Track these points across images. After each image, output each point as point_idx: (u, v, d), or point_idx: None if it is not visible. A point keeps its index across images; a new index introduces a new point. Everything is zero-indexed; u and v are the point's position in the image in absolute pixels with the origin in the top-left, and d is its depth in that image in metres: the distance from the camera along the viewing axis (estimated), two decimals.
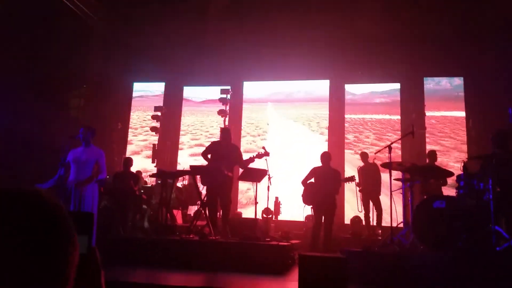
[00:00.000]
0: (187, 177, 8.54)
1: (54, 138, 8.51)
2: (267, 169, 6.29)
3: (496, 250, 4.11)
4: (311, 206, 6.57)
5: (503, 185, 4.49)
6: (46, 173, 5.05)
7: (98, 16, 10.14)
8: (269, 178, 6.57)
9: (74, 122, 9.97)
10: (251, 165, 6.29)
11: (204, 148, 6.55)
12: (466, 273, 3.84)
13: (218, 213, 6.47)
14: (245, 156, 6.44)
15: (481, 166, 4.79)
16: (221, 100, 10.36)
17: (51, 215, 0.70)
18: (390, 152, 5.12)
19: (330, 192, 6.39)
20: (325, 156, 6.70)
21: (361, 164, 8.36)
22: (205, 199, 6.15)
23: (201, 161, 6.80)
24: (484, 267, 3.88)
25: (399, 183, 5.68)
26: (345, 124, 10.42)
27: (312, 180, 6.57)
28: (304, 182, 6.59)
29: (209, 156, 6.25)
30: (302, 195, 6.61)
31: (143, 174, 9.46)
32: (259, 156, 6.15)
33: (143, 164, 10.86)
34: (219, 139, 6.55)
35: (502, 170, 4.45)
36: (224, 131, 6.62)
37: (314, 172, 6.59)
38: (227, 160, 6.05)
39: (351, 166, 9.66)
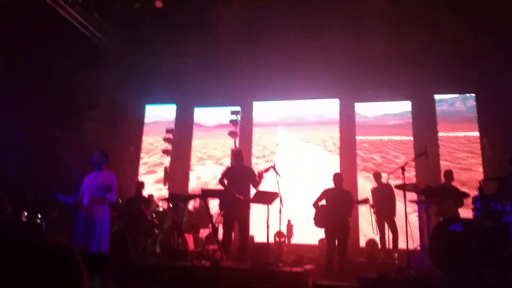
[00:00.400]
0: (198, 200, 8.51)
1: (68, 160, 8.64)
2: (278, 191, 6.24)
3: None
4: (324, 229, 6.45)
5: None
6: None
7: (109, 39, 10.38)
8: (281, 200, 6.50)
9: (88, 145, 10.11)
10: (263, 188, 6.27)
11: (216, 174, 6.61)
12: None
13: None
14: None
15: (498, 187, 4.67)
16: (232, 121, 10.42)
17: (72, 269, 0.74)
18: (403, 173, 5.03)
19: (342, 215, 6.27)
20: (337, 177, 6.60)
21: (375, 185, 8.23)
22: (221, 222, 6.13)
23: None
24: None
25: (414, 205, 5.56)
26: (358, 146, 10.34)
27: (324, 202, 6.47)
28: (315, 205, 6.49)
29: (225, 181, 6.29)
30: (314, 218, 6.50)
31: (155, 198, 9.46)
32: (266, 170, 6.15)
33: (155, 187, 10.89)
34: (231, 163, 6.59)
35: None
36: (236, 154, 6.67)
37: (325, 193, 6.49)
38: (243, 184, 6.10)
39: (364, 188, 9.54)
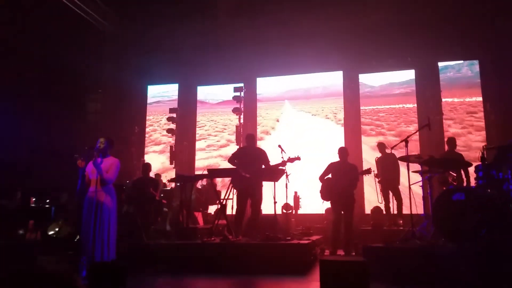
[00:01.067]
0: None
1: (74, 144, 8.74)
2: (284, 167, 6.32)
3: None
4: (330, 201, 6.57)
5: None
6: (67, 180, 5.16)
7: (108, 21, 10.29)
8: (287, 176, 6.60)
9: (92, 127, 10.21)
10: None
11: (222, 152, 6.69)
12: (488, 266, 3.80)
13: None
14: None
15: (496, 156, 4.72)
16: (235, 98, 10.40)
17: None
18: (406, 146, 5.07)
19: (347, 188, 6.38)
20: (342, 151, 6.67)
21: (379, 155, 8.29)
22: (228, 200, 6.26)
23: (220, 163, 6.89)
24: (505, 258, 3.83)
25: (418, 175, 5.62)
26: (363, 117, 10.32)
27: (330, 175, 6.56)
28: (321, 178, 6.59)
29: (236, 161, 6.37)
30: (320, 191, 6.62)
31: (163, 176, 9.61)
32: (291, 160, 6.21)
33: (162, 165, 11.03)
34: (244, 145, 6.66)
35: None
36: (248, 137, 6.74)
37: (331, 167, 6.58)
38: (254, 164, 6.19)
39: (369, 157, 9.60)
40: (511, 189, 4.19)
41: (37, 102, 8.88)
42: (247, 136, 6.85)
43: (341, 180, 6.38)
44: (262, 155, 6.42)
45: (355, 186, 6.57)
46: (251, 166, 6.10)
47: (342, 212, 6.46)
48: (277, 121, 11.25)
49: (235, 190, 6.29)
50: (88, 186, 4.91)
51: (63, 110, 9.39)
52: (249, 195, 6.23)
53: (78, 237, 6.08)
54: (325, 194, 6.55)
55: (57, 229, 7.57)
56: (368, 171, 6.54)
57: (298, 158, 6.17)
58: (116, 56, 10.94)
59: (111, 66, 10.87)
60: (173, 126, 10.73)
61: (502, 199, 4.34)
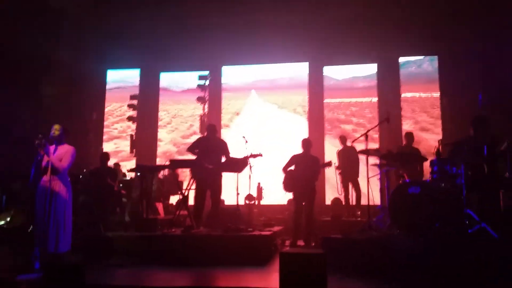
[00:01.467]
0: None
1: (28, 129, 8.30)
2: (247, 159, 6.31)
3: (468, 232, 4.28)
4: (292, 193, 6.65)
5: (473, 170, 4.64)
6: (20, 167, 4.90)
7: (69, 3, 9.75)
8: (250, 167, 6.60)
9: (47, 112, 9.71)
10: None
11: (186, 141, 6.56)
12: (441, 257, 3.98)
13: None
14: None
15: (452, 151, 4.93)
16: (200, 86, 10.25)
17: None
18: (366, 139, 5.20)
19: (309, 179, 6.47)
20: (305, 143, 6.74)
21: (340, 147, 8.47)
22: (190, 191, 6.18)
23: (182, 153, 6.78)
24: (457, 249, 4.03)
25: (376, 168, 5.79)
26: (327, 109, 10.47)
27: (292, 167, 6.63)
28: (284, 170, 6.64)
29: (196, 151, 6.28)
30: (283, 182, 6.67)
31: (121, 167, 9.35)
32: (253, 156, 6.21)
33: (121, 155, 10.73)
34: (205, 135, 6.57)
35: (472, 156, 4.59)
36: (210, 127, 6.67)
37: (294, 159, 6.65)
38: (215, 155, 6.13)
39: (332, 150, 9.78)
40: (463, 183, 4.39)
41: None
42: (208, 126, 6.80)
43: (303, 171, 6.45)
44: (222, 146, 6.38)
45: (317, 178, 6.68)
46: (212, 157, 6.04)
47: (303, 204, 6.56)
48: (241, 111, 11.21)
49: (193, 180, 6.22)
50: (42, 175, 4.69)
51: (15, 95, 8.89)
52: (208, 186, 6.17)
53: (31, 227, 5.82)
54: (288, 185, 6.61)
55: (8, 219, 7.22)
56: (329, 164, 6.66)
57: (260, 155, 6.21)
58: (74, 39, 10.41)
59: (69, 48, 10.35)
60: (134, 113, 10.44)
61: (455, 193, 4.54)
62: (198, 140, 6.57)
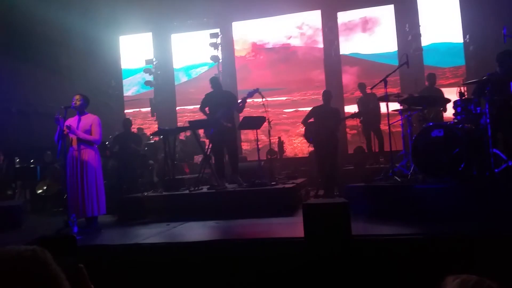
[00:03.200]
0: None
1: (49, 102, 8.49)
2: (265, 114, 6.29)
3: (495, 172, 4.22)
4: (314, 144, 6.65)
5: (499, 107, 4.50)
6: (46, 139, 5.06)
7: None
8: (269, 122, 6.60)
9: (66, 83, 9.85)
10: (249, 113, 6.29)
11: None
12: (468, 198, 3.98)
13: (225, 159, 6.61)
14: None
15: (476, 90, 4.77)
16: (212, 44, 10.10)
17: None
18: (385, 86, 5.07)
19: (331, 131, 6.43)
20: (325, 95, 6.65)
21: (360, 96, 8.32)
22: (209, 150, 6.24)
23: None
24: (484, 190, 4.00)
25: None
26: (343, 59, 10.19)
27: (312, 119, 6.59)
28: (304, 122, 6.62)
29: (206, 109, 6.24)
30: (304, 135, 6.68)
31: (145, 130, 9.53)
32: (250, 94, 6.01)
33: (143, 119, 10.90)
34: (211, 90, 6.42)
35: (497, 93, 4.43)
36: (212, 80, 6.46)
37: (314, 111, 6.60)
38: (224, 109, 5.99)
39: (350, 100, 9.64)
40: (488, 123, 4.27)
41: (4, 60, 8.47)
42: (210, 80, 6.51)
43: (324, 123, 6.39)
44: (230, 98, 6.24)
45: (339, 129, 6.66)
46: (221, 111, 5.88)
47: (325, 154, 6.56)
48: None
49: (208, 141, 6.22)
50: (70, 144, 4.84)
51: (34, 67, 9.02)
52: (223, 143, 6.13)
53: (66, 195, 6.11)
54: (309, 137, 6.61)
55: (45, 188, 7.60)
56: (358, 115, 6.62)
57: (256, 90, 5.97)
58: (85, 7, 10.32)
59: (80, 17, 10.29)
60: (150, 78, 10.47)
61: (479, 133, 4.44)
62: (204, 97, 6.38)
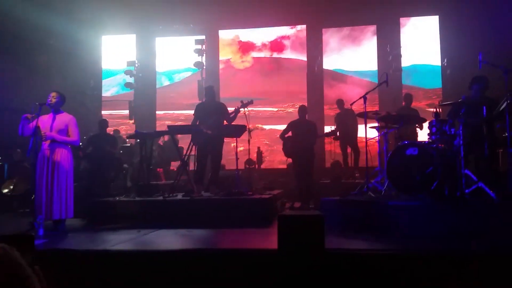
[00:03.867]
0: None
1: (24, 99, 8.23)
2: (247, 123, 6.28)
3: (465, 192, 4.33)
4: (292, 158, 6.71)
5: (472, 130, 4.64)
6: (20, 136, 4.90)
7: None
8: (249, 131, 6.60)
9: (44, 81, 9.60)
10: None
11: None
12: (438, 217, 4.05)
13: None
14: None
15: (450, 112, 4.91)
16: (196, 51, 10.07)
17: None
18: (365, 102, 5.16)
19: (308, 144, 6.56)
20: (301, 110, 6.84)
21: (338, 111, 8.45)
22: (190, 157, 6.18)
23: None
24: (455, 210, 4.09)
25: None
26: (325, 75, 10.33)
27: (290, 134, 6.66)
28: (282, 136, 6.70)
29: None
30: (283, 149, 6.73)
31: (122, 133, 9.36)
32: (243, 105, 6.02)
33: (120, 121, 10.71)
34: (204, 99, 6.41)
35: (471, 116, 4.57)
36: (206, 89, 6.51)
37: (291, 125, 6.73)
38: (213, 119, 5.97)
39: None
40: (461, 144, 4.39)
41: None
42: (204, 89, 6.58)
43: (301, 137, 6.52)
44: (221, 109, 6.22)
45: (315, 142, 6.76)
46: (210, 121, 5.90)
47: (303, 167, 6.61)
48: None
49: (195, 146, 6.18)
50: (41, 142, 4.70)
51: (10, 64, 8.76)
52: (209, 151, 6.14)
53: (33, 195, 5.91)
54: (287, 151, 6.68)
55: (11, 187, 7.33)
56: (333, 133, 6.77)
57: (250, 102, 6.00)
58: (68, 4, 10.14)
59: (62, 15, 10.09)
60: (131, 80, 10.32)
61: (453, 153, 4.55)
62: (197, 106, 6.40)
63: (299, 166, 6.63)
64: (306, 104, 8.79)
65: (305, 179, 6.61)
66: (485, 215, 3.95)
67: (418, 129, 6.65)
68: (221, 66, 10.90)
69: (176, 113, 10.87)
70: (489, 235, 3.69)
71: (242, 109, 6.01)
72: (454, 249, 3.35)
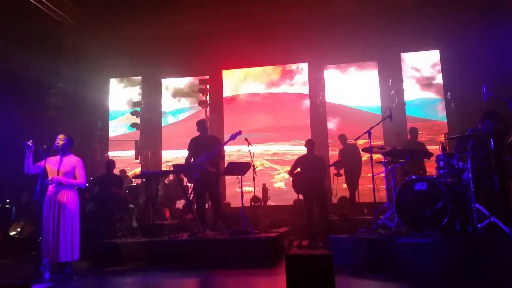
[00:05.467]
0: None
1: (33, 141, 8.31)
2: (251, 160, 6.28)
3: (477, 227, 4.22)
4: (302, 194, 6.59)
5: (481, 163, 4.58)
6: (28, 179, 4.92)
7: (67, 13, 9.83)
8: (254, 168, 6.58)
9: (52, 123, 9.77)
10: (234, 159, 6.26)
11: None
12: (451, 254, 3.93)
13: (207, 205, 6.46)
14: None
15: (457, 145, 4.87)
16: (200, 90, 10.26)
17: None
18: (369, 137, 5.16)
19: (318, 178, 6.43)
20: (309, 144, 6.72)
21: (341, 147, 8.43)
22: (191, 195, 6.12)
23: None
24: (468, 246, 3.97)
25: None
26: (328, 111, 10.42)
27: (299, 169, 6.59)
28: (291, 173, 6.63)
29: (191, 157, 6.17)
30: (293, 186, 6.64)
31: (129, 173, 9.38)
32: (232, 137, 5.94)
33: (126, 163, 10.76)
34: (197, 134, 6.36)
35: (479, 148, 4.53)
36: (199, 123, 6.34)
37: (299, 161, 6.63)
38: (206, 153, 5.83)
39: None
40: (471, 178, 4.33)
41: None
42: (197, 123, 6.37)
43: (310, 172, 6.40)
44: (216, 143, 6.11)
45: (325, 176, 6.67)
46: (205, 155, 5.78)
47: (314, 203, 6.50)
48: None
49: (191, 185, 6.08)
50: (48, 185, 4.71)
51: (21, 106, 8.95)
52: (206, 188, 6.01)
53: (40, 238, 5.86)
54: (298, 187, 6.56)
55: (18, 229, 7.30)
56: (339, 162, 6.70)
57: (239, 133, 5.93)
58: (76, 49, 10.50)
59: (71, 59, 10.43)
60: (137, 120, 10.47)
61: (463, 187, 4.48)
62: (190, 141, 6.27)
63: (310, 201, 6.47)
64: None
65: (321, 216, 6.45)
66: (500, 251, 3.82)
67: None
68: (225, 106, 11.05)
69: (180, 151, 10.92)
70: (505, 273, 3.56)
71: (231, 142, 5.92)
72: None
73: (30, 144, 4.59)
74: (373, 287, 3.39)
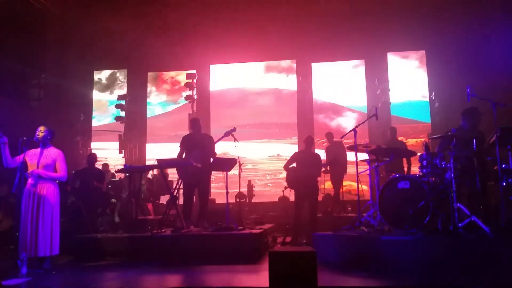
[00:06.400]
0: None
1: (14, 132, 8.13)
2: (237, 157, 6.26)
3: (458, 226, 4.28)
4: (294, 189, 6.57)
5: (463, 163, 4.64)
6: (6, 171, 4.78)
7: (51, 3, 9.60)
8: (240, 165, 6.55)
9: (34, 115, 9.55)
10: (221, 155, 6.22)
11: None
12: (432, 252, 3.98)
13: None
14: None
15: (440, 145, 4.93)
16: (187, 85, 10.16)
17: None
18: (355, 135, 5.18)
19: (312, 177, 6.42)
20: (308, 140, 6.69)
21: (327, 144, 8.47)
22: (180, 191, 6.07)
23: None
24: (449, 244, 4.03)
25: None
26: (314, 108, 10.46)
27: (294, 164, 6.57)
28: (286, 167, 6.60)
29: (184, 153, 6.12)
30: (286, 180, 6.60)
31: (111, 167, 9.25)
32: (227, 133, 6.01)
33: (110, 155, 10.61)
34: (189, 132, 6.34)
35: (462, 148, 4.59)
36: (192, 121, 6.40)
37: (296, 156, 6.61)
38: (201, 151, 5.89)
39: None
40: (453, 178, 4.38)
41: None
42: (190, 121, 6.42)
43: (305, 169, 6.38)
44: (207, 141, 6.12)
45: (319, 174, 6.68)
46: (196, 153, 5.79)
47: (306, 201, 6.49)
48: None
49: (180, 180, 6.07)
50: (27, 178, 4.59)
51: (2, 97, 8.73)
52: (196, 185, 6.01)
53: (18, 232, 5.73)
54: (291, 182, 6.52)
55: None
56: (335, 161, 6.70)
57: (233, 129, 6.00)
58: (60, 41, 10.28)
59: (55, 50, 10.21)
60: (122, 113, 10.32)
61: (445, 187, 4.53)
62: (183, 138, 6.25)
63: (301, 198, 6.45)
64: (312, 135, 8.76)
65: (310, 213, 6.44)
66: (480, 249, 3.88)
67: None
68: (212, 100, 10.97)
69: (165, 144, 10.81)
70: (484, 270, 3.62)
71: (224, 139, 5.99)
72: (448, 285, 3.27)
73: (6, 143, 4.45)
74: (356, 284, 3.40)
